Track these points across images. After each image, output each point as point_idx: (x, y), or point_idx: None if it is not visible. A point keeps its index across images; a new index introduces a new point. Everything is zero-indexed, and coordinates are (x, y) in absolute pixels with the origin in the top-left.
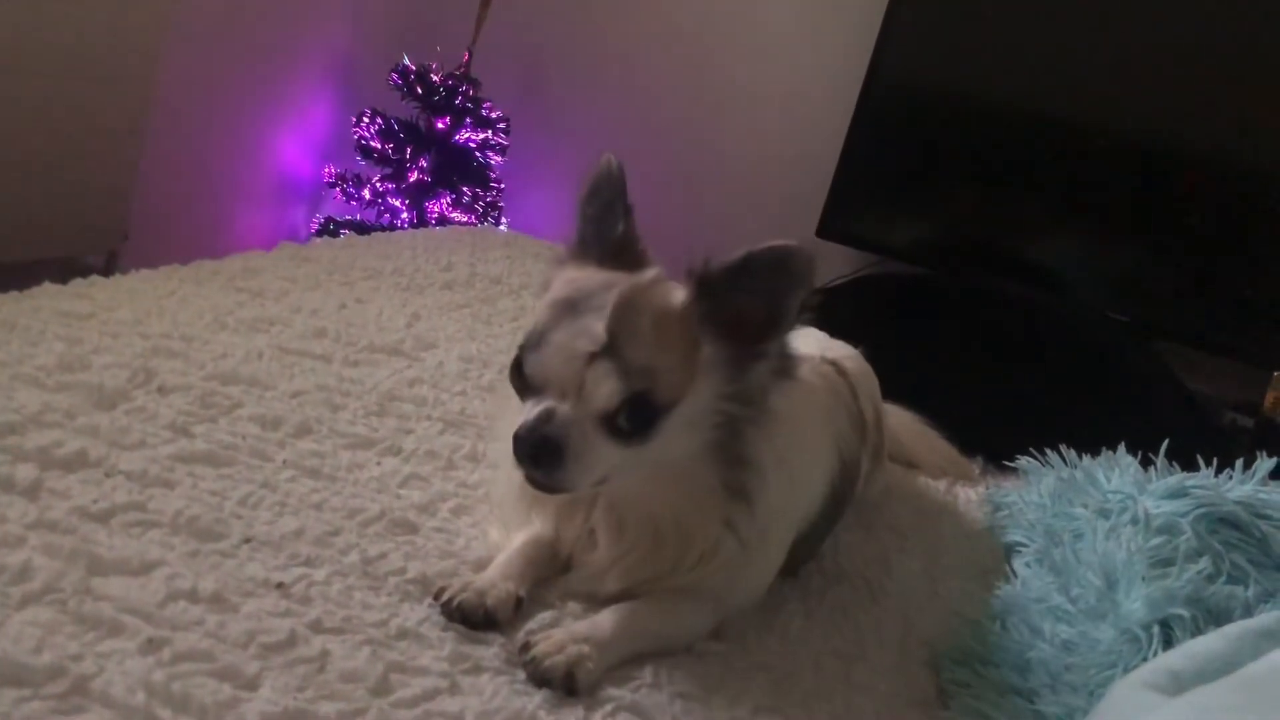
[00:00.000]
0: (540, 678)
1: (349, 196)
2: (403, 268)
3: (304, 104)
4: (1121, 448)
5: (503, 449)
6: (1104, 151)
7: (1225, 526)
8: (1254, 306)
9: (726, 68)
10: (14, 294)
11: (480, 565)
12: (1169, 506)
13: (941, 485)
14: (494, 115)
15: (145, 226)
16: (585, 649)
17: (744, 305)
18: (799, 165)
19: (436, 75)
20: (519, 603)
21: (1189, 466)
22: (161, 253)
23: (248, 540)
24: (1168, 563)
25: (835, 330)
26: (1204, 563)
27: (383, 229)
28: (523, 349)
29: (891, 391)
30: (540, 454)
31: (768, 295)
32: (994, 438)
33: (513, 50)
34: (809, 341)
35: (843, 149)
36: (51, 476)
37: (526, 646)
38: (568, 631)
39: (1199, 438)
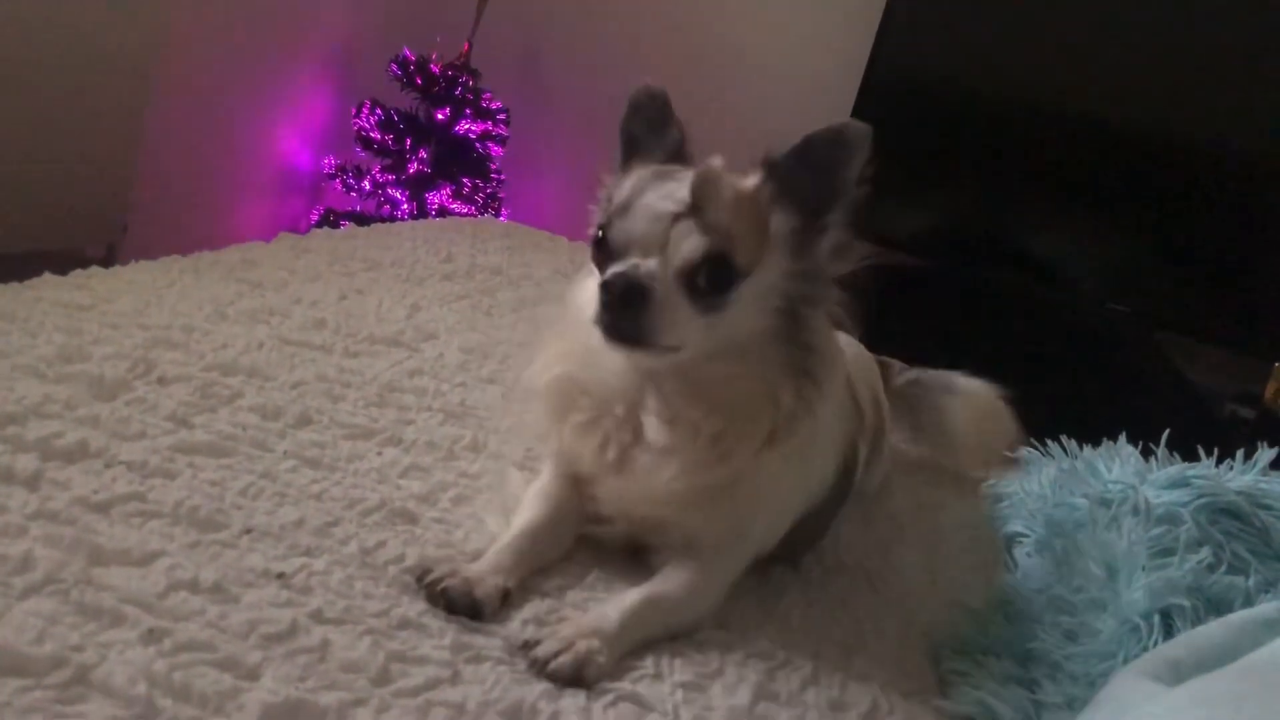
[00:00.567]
0: (549, 676)
1: (349, 188)
2: (403, 259)
3: (303, 95)
4: (1122, 438)
5: (548, 352)
6: (1105, 142)
7: (1226, 516)
8: (1255, 298)
9: (727, 58)
10: (14, 285)
11: (478, 556)
12: (1170, 496)
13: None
14: (494, 106)
15: (145, 218)
16: (594, 644)
17: (808, 182)
18: None
19: (436, 66)
20: (506, 595)
21: (1190, 457)
22: (161, 244)
23: (248, 531)
24: (1168, 552)
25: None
26: (1205, 553)
27: (383, 220)
28: (607, 219)
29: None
30: (629, 297)
31: (827, 169)
32: None
33: (513, 40)
34: None
35: None
36: (52, 467)
37: (530, 644)
38: (574, 626)
39: (1200, 428)
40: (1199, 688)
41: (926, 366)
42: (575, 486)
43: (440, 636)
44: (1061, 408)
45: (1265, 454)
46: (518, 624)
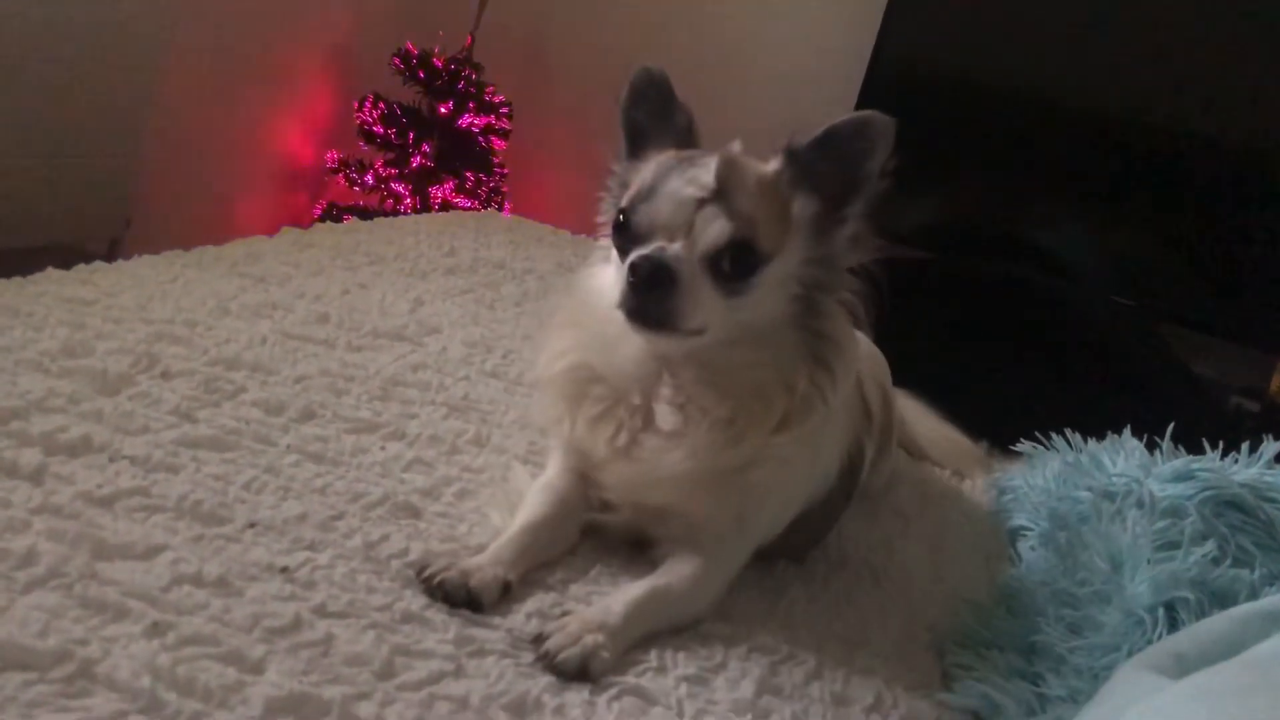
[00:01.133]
0: (555, 670)
1: (352, 182)
2: (406, 253)
3: (306, 89)
4: (1127, 431)
5: (560, 340)
6: (1110, 135)
7: (1231, 509)
8: (1260, 291)
9: (730, 52)
10: (17, 280)
11: (482, 550)
12: (1174, 490)
13: (948, 472)
14: (497, 100)
15: (148, 212)
16: (600, 638)
17: (829, 172)
18: None
19: (439, 60)
20: (507, 587)
21: (1194, 450)
22: (164, 238)
23: (252, 525)
24: (1173, 545)
25: None
26: (1209, 546)
27: (386, 214)
28: (630, 203)
29: (896, 377)
30: (656, 278)
31: (850, 160)
32: (999, 422)
33: (515, 34)
34: None
35: None
36: (56, 461)
37: (540, 638)
38: (580, 620)
39: (1204, 421)
40: (1203, 681)
41: (928, 362)
42: (581, 481)
43: (444, 630)
44: (1066, 401)
45: (1270, 447)
46: (521, 617)
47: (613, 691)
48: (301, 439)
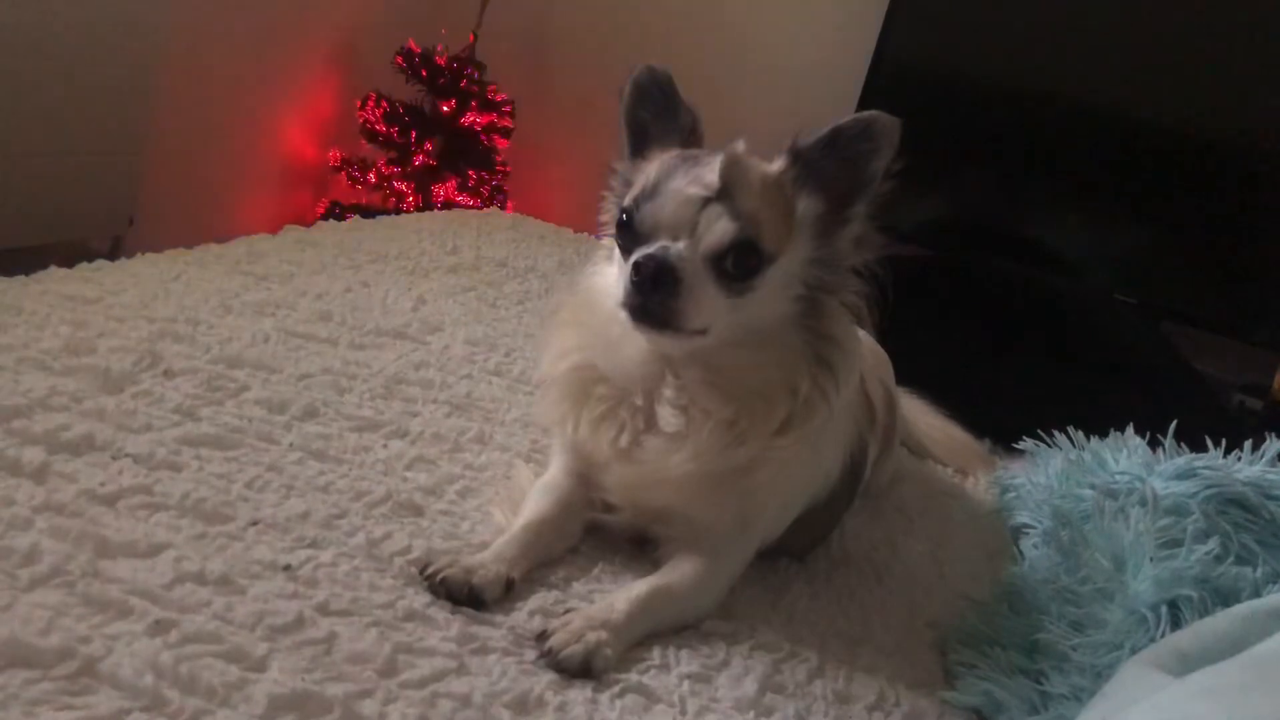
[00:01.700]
0: (558, 667)
1: (354, 180)
2: (408, 251)
3: (309, 88)
4: (1129, 429)
5: (564, 340)
6: (1112, 132)
7: (1234, 507)
8: (1263, 288)
9: (732, 51)
10: (20, 278)
11: (484, 548)
12: (1177, 487)
13: (951, 470)
14: (499, 98)
15: (151, 211)
16: (603, 635)
17: (834, 172)
18: None
19: (441, 58)
20: (510, 585)
21: (1197, 448)
22: (167, 237)
23: (255, 523)
24: (1176, 543)
25: None
26: (1212, 543)
27: (388, 213)
28: (634, 202)
29: (899, 375)
30: (660, 278)
31: (854, 162)
32: (1002, 419)
33: (518, 32)
34: None
35: None
36: (59, 460)
37: (544, 635)
38: (583, 618)
39: (1207, 419)
40: (1206, 679)
41: (930, 360)
42: (584, 480)
43: (447, 628)
44: (1069, 399)
45: (1273, 445)
46: (524, 615)
47: (615, 689)
48: (304, 437)
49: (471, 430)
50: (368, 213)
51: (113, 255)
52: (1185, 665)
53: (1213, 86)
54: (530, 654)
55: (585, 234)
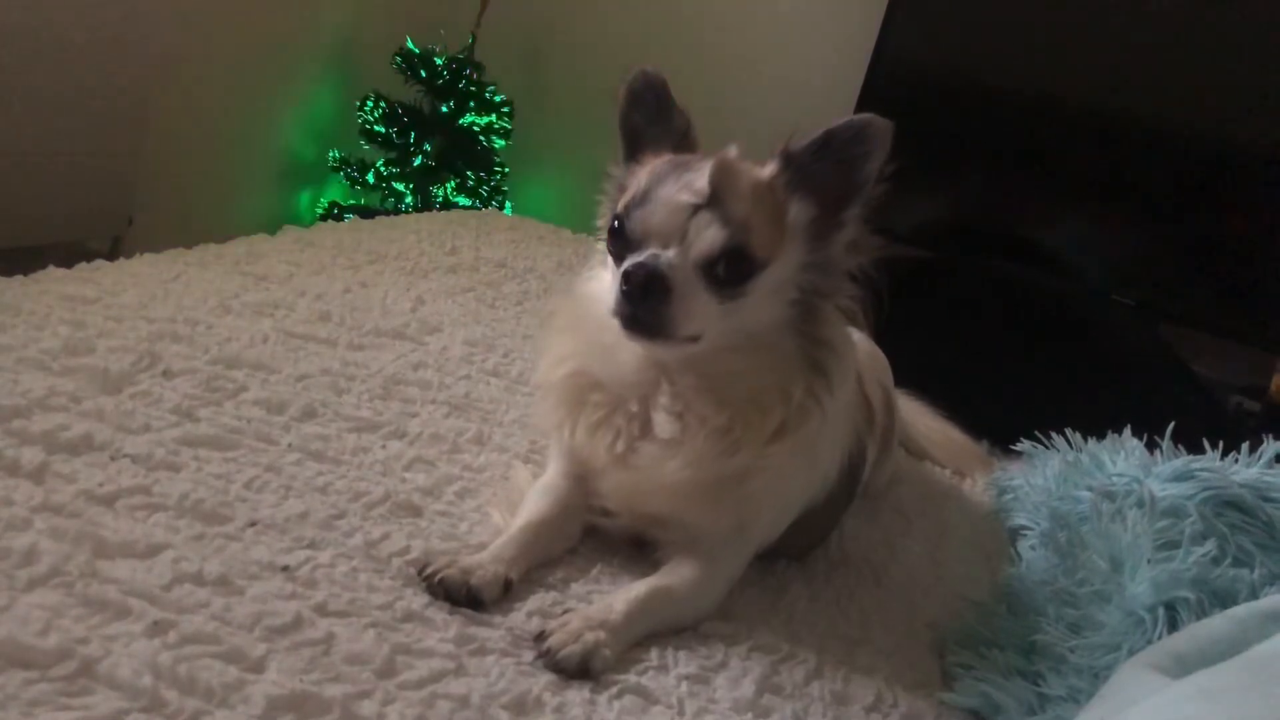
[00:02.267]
0: (556, 667)
1: (353, 181)
2: (407, 251)
3: (308, 88)
4: (1127, 431)
5: (560, 346)
6: (1110, 134)
7: (1231, 509)
8: (1260, 290)
9: (731, 52)
10: (19, 278)
11: (483, 549)
12: (1174, 489)
13: (949, 471)
14: (498, 99)
15: (150, 211)
16: (601, 635)
17: (826, 176)
18: None
19: (440, 58)
20: (508, 585)
21: (1194, 450)
22: (166, 237)
23: (253, 523)
24: (1173, 545)
25: None
26: (1209, 545)
27: (387, 213)
28: (624, 209)
29: (897, 376)
30: (650, 287)
31: (848, 165)
32: (999, 421)
33: (516, 33)
34: None
35: None
36: (57, 460)
37: (542, 635)
38: (582, 618)
39: (1204, 421)
40: (1203, 681)
41: (928, 361)
42: (581, 482)
43: (445, 629)
44: (1066, 400)
45: (1271, 447)
46: (522, 615)
47: (614, 690)
48: (303, 438)
49: (470, 431)
50: (366, 213)
51: (112, 255)
52: (1182, 667)
53: (1211, 88)
54: (528, 655)
55: (584, 235)
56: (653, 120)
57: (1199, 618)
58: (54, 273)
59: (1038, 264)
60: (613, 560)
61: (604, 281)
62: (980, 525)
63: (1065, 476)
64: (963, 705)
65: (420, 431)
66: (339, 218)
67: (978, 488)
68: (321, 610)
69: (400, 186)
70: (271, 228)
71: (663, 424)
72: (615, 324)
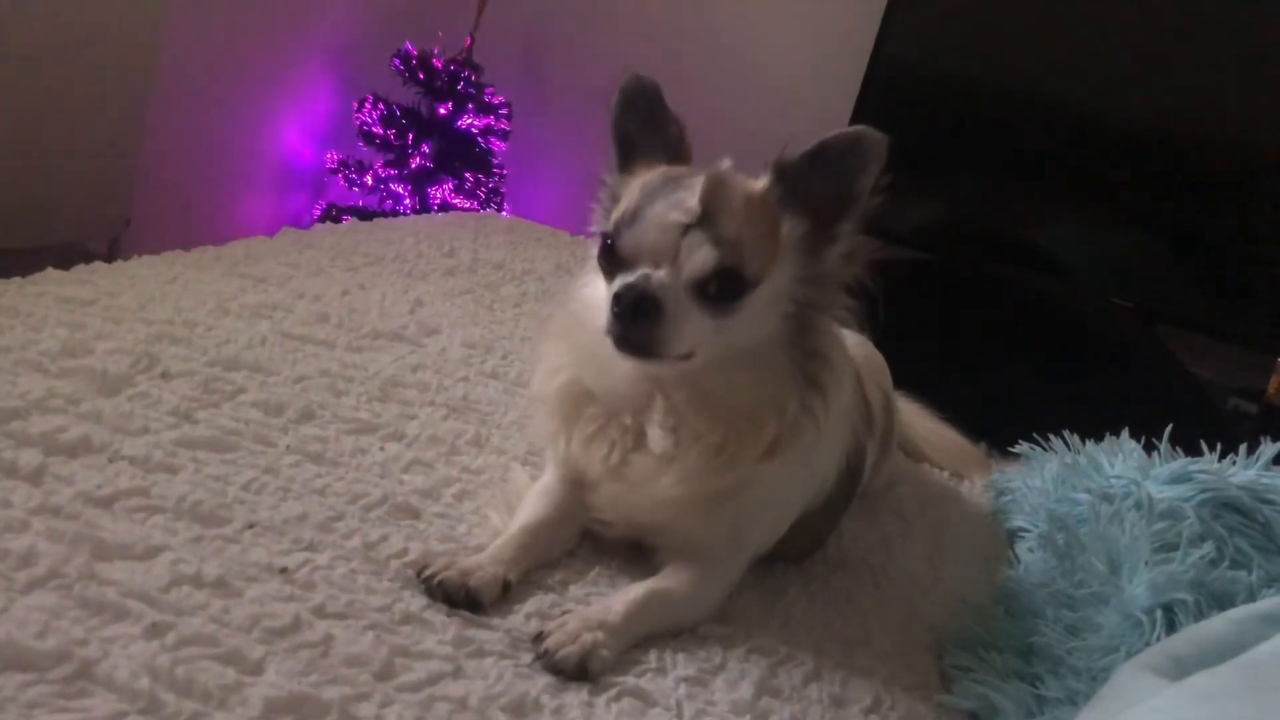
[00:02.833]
0: (554, 668)
1: (351, 183)
2: (405, 254)
3: (306, 90)
4: (1125, 433)
5: (555, 356)
6: (1109, 136)
7: (1229, 511)
8: (1258, 292)
9: (730, 53)
10: (17, 280)
11: (481, 551)
12: (1172, 491)
13: (947, 473)
14: (496, 101)
15: (148, 212)
16: (599, 636)
17: (820, 189)
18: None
19: (438, 60)
20: (507, 586)
21: (1192, 452)
22: (164, 239)
23: (251, 525)
24: (1171, 547)
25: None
26: (1207, 547)
27: (385, 215)
28: (615, 227)
29: (896, 378)
30: (641, 308)
31: (842, 177)
32: (997, 423)
33: (515, 35)
34: None
35: None
36: (55, 462)
37: (540, 636)
38: (580, 619)
39: (1202, 423)
40: (1201, 683)
41: (927, 364)
42: (577, 488)
43: (443, 631)
44: (1064, 403)
45: (1268, 449)
46: (520, 618)
47: (612, 692)
48: (301, 440)
49: (468, 433)
50: (364, 215)
51: (110, 257)
52: (1180, 669)
53: (1209, 91)
54: (527, 657)
55: (582, 237)
56: (645, 128)
57: (1197, 620)
58: (52, 274)
59: (1036, 266)
60: (611, 563)
61: (599, 289)
62: (978, 527)
63: (1063, 478)
64: (961, 707)
65: (418, 433)
66: (337, 219)
67: (976, 490)
68: (320, 612)
69: (398, 188)
70: (270, 229)
71: (656, 439)
72: (607, 342)
